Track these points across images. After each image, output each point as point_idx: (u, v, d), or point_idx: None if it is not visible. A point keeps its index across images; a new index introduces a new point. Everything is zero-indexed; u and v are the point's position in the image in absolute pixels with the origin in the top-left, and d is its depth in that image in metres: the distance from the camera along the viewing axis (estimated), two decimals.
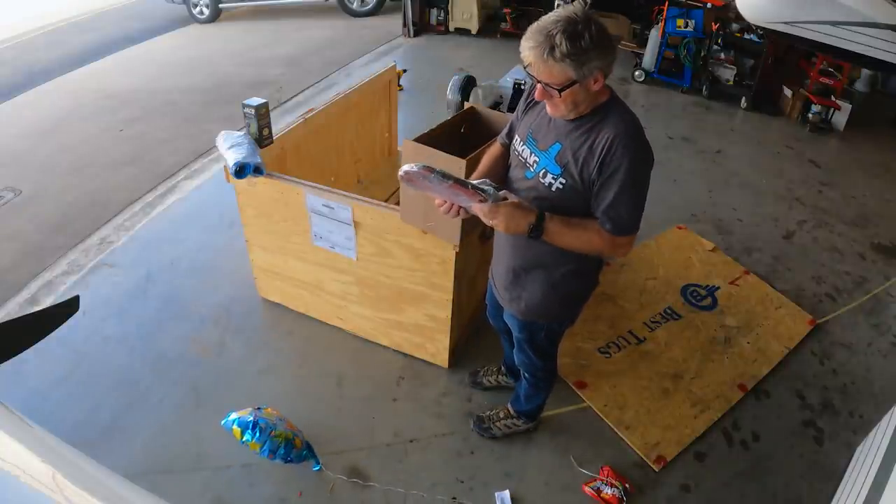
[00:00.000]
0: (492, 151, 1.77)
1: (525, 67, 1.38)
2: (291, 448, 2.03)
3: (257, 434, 1.99)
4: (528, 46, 1.33)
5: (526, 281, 1.69)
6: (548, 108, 1.45)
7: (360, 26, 7.46)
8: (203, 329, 2.71)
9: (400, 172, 1.41)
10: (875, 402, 2.49)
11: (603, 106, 1.43)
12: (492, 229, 1.57)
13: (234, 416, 2.05)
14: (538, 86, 1.38)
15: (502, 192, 1.46)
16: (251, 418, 2.02)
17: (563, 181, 1.46)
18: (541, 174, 1.50)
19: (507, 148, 1.69)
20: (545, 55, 1.30)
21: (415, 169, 1.38)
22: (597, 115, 1.43)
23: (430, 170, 1.38)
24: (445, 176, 1.38)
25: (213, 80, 5.77)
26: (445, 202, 1.54)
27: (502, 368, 2.41)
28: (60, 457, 1.01)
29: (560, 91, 1.34)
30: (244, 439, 2.01)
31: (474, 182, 1.46)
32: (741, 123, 5.17)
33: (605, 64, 1.34)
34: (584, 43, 1.28)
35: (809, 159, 4.53)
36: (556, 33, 1.28)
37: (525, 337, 1.85)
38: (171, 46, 6.97)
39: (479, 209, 1.43)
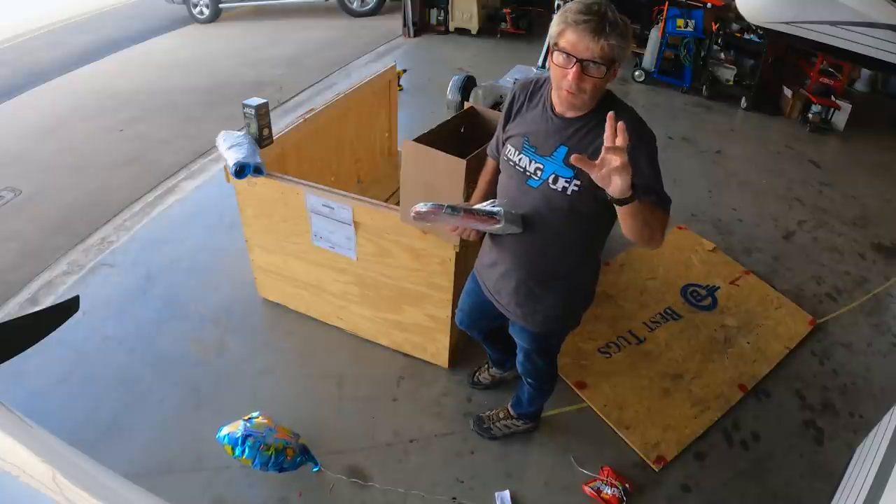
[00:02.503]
0: (487, 169, 1.76)
1: (555, 47, 1.35)
2: (283, 459, 2.01)
3: (247, 450, 1.98)
4: (576, 20, 1.30)
5: (543, 294, 1.66)
6: (561, 100, 1.41)
7: (360, 26, 7.46)
8: (203, 329, 2.71)
9: (411, 213, 1.50)
10: (875, 402, 2.49)
11: (604, 101, 1.43)
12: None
13: (224, 431, 2.04)
14: (574, 69, 1.33)
15: (514, 211, 1.50)
16: (240, 433, 2.01)
17: (579, 182, 1.43)
18: (550, 180, 1.46)
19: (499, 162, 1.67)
20: (607, 27, 1.29)
21: (425, 208, 1.47)
22: (600, 110, 1.42)
23: (440, 206, 1.47)
24: (455, 209, 1.46)
25: (213, 80, 5.77)
26: (458, 227, 1.61)
27: (490, 363, 2.42)
28: (60, 457, 1.01)
29: (608, 69, 1.33)
30: (235, 454, 2.00)
31: (483, 208, 1.50)
32: (741, 123, 5.17)
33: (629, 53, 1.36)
34: (628, 24, 1.32)
35: (809, 159, 4.53)
36: (608, 11, 1.30)
37: (537, 347, 1.84)
38: (171, 46, 6.96)
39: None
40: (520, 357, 1.93)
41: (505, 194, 1.59)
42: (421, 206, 1.48)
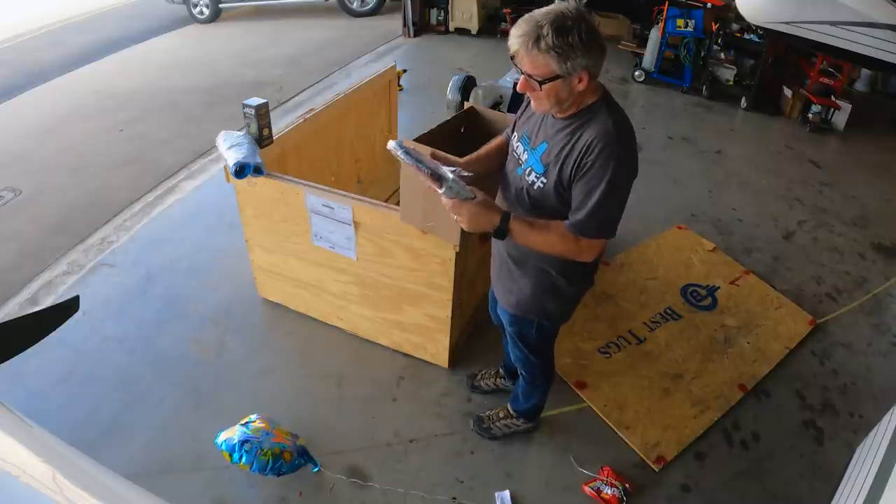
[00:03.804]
0: (494, 140, 1.79)
1: (511, 58, 1.38)
2: (281, 463, 2.01)
3: (244, 455, 1.98)
4: (515, 35, 1.34)
5: (518, 275, 1.69)
6: (532, 103, 1.46)
7: (360, 26, 7.46)
8: (203, 329, 2.71)
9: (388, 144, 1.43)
10: (875, 402, 2.49)
11: (591, 107, 1.42)
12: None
13: (221, 437, 2.04)
14: (521, 77, 1.38)
15: (469, 188, 1.43)
16: (237, 439, 2.01)
17: (544, 181, 1.47)
18: (527, 171, 1.52)
19: (508, 141, 1.71)
20: (530, 45, 1.31)
21: (391, 146, 1.40)
22: (583, 116, 1.42)
23: (400, 144, 1.40)
24: (409, 154, 1.38)
25: (213, 80, 5.77)
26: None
27: (500, 371, 2.41)
28: (60, 457, 1.01)
29: (541, 84, 1.35)
30: (233, 460, 2.00)
31: (437, 168, 1.40)
32: (741, 123, 5.17)
33: (591, 64, 1.33)
34: (571, 38, 1.29)
35: (809, 159, 4.53)
36: (545, 24, 1.29)
37: (515, 331, 1.86)
38: (171, 46, 6.96)
39: (445, 201, 1.43)
40: (510, 344, 1.96)
41: (504, 176, 1.64)
42: (391, 144, 1.41)
